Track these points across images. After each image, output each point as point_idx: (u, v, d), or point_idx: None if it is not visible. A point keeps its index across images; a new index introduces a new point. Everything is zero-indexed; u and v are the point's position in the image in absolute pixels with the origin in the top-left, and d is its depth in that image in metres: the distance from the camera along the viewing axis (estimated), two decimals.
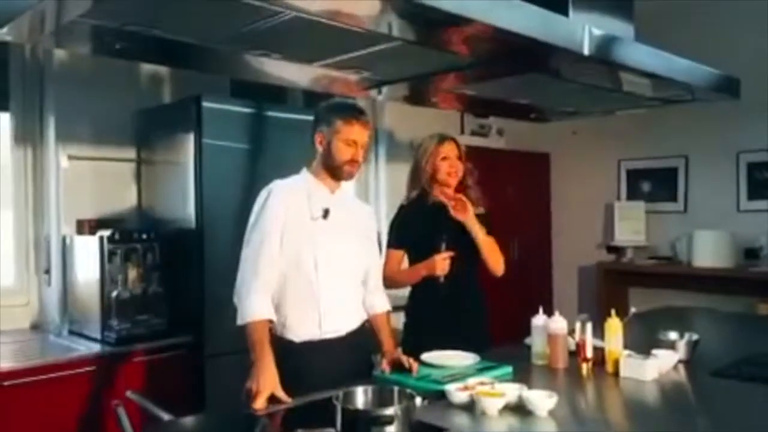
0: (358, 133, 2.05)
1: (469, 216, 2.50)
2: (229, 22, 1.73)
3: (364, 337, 2.22)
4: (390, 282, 2.55)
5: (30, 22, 1.66)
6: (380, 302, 2.28)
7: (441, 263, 2.44)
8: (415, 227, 2.60)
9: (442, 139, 2.62)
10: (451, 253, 2.46)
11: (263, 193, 2.08)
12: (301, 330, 2.04)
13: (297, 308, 2.05)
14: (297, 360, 2.00)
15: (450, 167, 2.58)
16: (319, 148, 2.09)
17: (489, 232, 2.68)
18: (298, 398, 1.83)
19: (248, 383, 1.83)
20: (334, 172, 2.09)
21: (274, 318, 2.00)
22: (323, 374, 1.96)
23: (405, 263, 2.65)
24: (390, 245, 2.63)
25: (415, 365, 2.03)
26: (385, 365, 2.11)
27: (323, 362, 2.02)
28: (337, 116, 2.05)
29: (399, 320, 2.68)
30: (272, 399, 1.80)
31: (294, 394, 1.84)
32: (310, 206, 2.07)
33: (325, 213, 2.07)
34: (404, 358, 2.07)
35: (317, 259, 2.04)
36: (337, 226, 2.09)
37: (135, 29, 1.73)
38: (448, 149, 2.59)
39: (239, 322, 1.95)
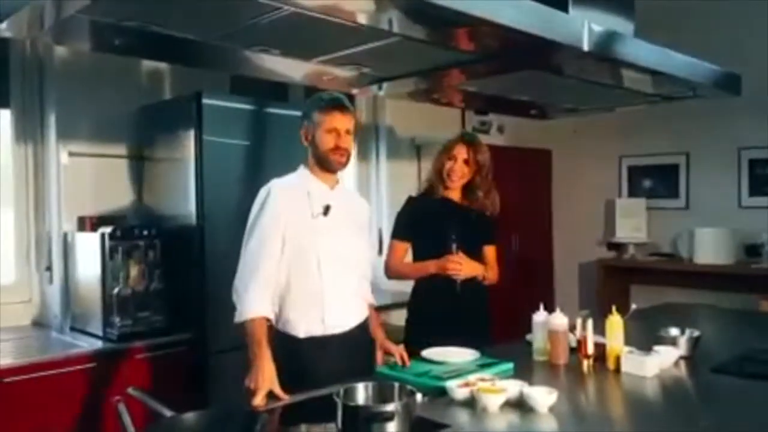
0: (337, 120, 2.06)
1: (462, 274, 2.48)
2: (227, 17, 1.73)
3: (368, 332, 2.23)
4: (394, 273, 2.56)
5: (29, 17, 1.65)
6: (367, 295, 2.29)
7: (453, 265, 2.44)
8: (422, 220, 2.61)
9: (458, 139, 2.63)
10: (463, 257, 2.46)
11: (262, 192, 2.08)
12: (304, 326, 2.05)
13: (301, 305, 2.05)
14: (302, 356, 2.02)
15: (450, 168, 2.59)
16: (306, 143, 2.12)
17: (491, 238, 2.68)
18: (299, 394, 1.84)
19: (246, 381, 1.84)
20: (324, 163, 2.09)
21: (272, 316, 2.01)
22: (328, 370, 1.97)
23: (409, 256, 2.65)
24: (395, 236, 2.64)
25: (406, 358, 2.06)
26: (378, 357, 2.14)
27: (328, 358, 2.03)
28: (315, 108, 2.08)
29: (401, 316, 2.69)
30: (271, 396, 1.81)
31: (299, 390, 1.85)
32: (310, 204, 2.07)
33: (326, 210, 2.08)
34: (394, 348, 2.10)
35: (320, 256, 2.05)
36: (338, 222, 2.10)
37: (134, 25, 1.73)
38: (458, 150, 2.59)
39: (237, 319, 1.96)
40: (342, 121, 2.07)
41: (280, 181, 2.12)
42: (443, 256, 2.46)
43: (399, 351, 2.09)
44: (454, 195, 2.64)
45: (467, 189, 2.64)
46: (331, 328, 2.07)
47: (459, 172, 2.58)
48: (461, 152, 2.58)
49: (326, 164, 2.09)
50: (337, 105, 2.07)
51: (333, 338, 2.07)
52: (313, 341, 2.05)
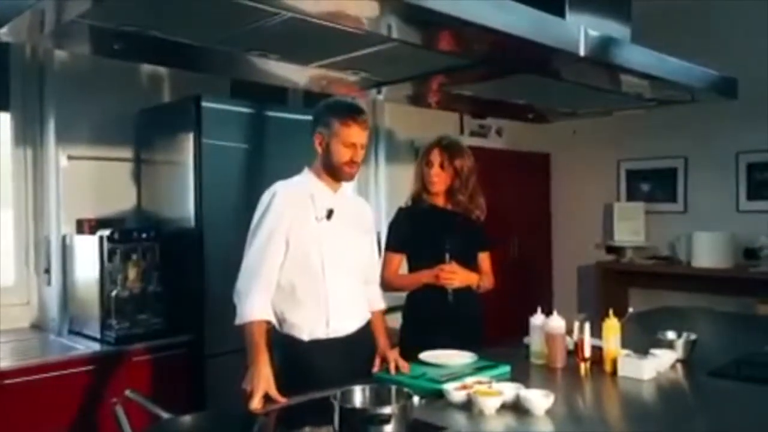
0: (356, 135, 2.05)
1: (456, 283, 2.48)
2: (226, 22, 1.73)
3: (370, 334, 2.23)
4: (389, 286, 2.55)
5: (29, 22, 1.66)
6: (376, 299, 2.31)
7: (445, 275, 2.44)
8: (414, 231, 2.60)
9: (433, 144, 2.61)
10: (456, 267, 2.46)
11: (267, 195, 2.08)
12: (309, 329, 2.06)
13: (305, 308, 2.06)
14: (306, 358, 2.03)
15: (428, 174, 2.58)
16: (319, 150, 2.09)
17: (485, 245, 2.68)
18: (296, 397, 1.84)
19: (243, 384, 1.85)
20: (334, 173, 2.09)
21: (272, 319, 2.01)
22: (331, 372, 1.97)
23: (404, 267, 2.65)
24: (389, 248, 2.63)
25: (402, 366, 2.05)
26: (377, 364, 2.14)
27: (331, 360, 2.03)
28: (335, 118, 2.05)
29: (397, 320, 2.69)
30: (267, 399, 1.81)
31: (303, 392, 1.86)
32: (314, 207, 2.08)
33: (329, 214, 2.08)
34: (391, 358, 2.09)
35: (324, 260, 2.05)
36: (341, 225, 2.11)
37: (133, 30, 1.74)
38: (433, 155, 2.58)
39: (238, 321, 1.96)
40: (360, 136, 2.06)
41: (284, 183, 2.11)
42: (437, 265, 2.46)
43: (394, 358, 2.09)
44: (440, 201, 2.63)
45: (449, 194, 2.62)
46: (334, 330, 2.08)
47: (435, 178, 2.56)
48: (436, 157, 2.57)
49: (337, 175, 2.10)
50: (357, 118, 2.05)
51: (336, 341, 2.08)
52: (317, 344, 2.05)
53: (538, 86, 2.46)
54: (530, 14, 1.80)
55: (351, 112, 2.06)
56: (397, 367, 2.06)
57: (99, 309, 2.87)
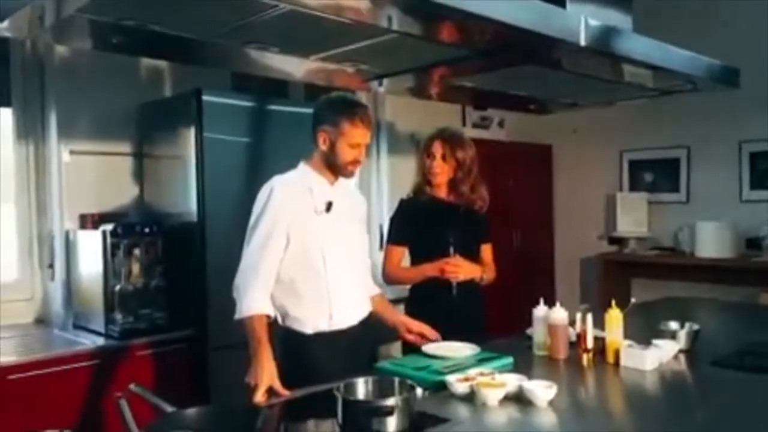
0: (363, 135, 2.06)
1: (461, 276, 2.48)
2: (225, 15, 1.73)
3: (372, 327, 2.24)
4: (392, 279, 2.55)
5: (29, 17, 1.66)
6: (370, 286, 2.32)
7: (450, 268, 2.44)
8: (417, 223, 2.59)
9: (434, 136, 2.60)
10: (461, 260, 2.46)
11: (265, 190, 2.08)
12: (312, 323, 2.06)
13: (307, 301, 2.07)
14: (309, 352, 2.03)
15: (429, 166, 2.57)
16: (323, 147, 2.08)
17: (487, 236, 2.68)
18: (299, 390, 1.85)
19: (247, 377, 1.85)
20: (336, 171, 2.10)
21: (272, 313, 2.02)
22: (335, 365, 1.98)
23: (406, 259, 2.65)
24: (391, 241, 2.63)
25: (429, 333, 2.21)
26: (412, 338, 2.24)
27: (335, 353, 2.04)
28: (342, 117, 2.04)
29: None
30: (271, 392, 1.82)
31: (305, 385, 1.86)
32: (313, 201, 2.08)
33: (328, 206, 2.09)
34: (414, 326, 2.23)
35: (324, 253, 2.06)
36: (340, 217, 2.11)
37: (133, 24, 1.74)
38: (434, 147, 2.57)
39: (237, 316, 1.97)
40: (366, 136, 2.07)
41: (282, 178, 2.11)
42: (441, 258, 2.46)
43: (418, 325, 2.22)
44: (442, 193, 2.61)
45: (452, 185, 2.61)
46: (337, 323, 2.08)
47: (437, 169, 2.55)
48: (437, 149, 2.56)
49: (339, 172, 2.10)
50: (363, 118, 2.05)
51: (339, 333, 2.08)
52: (320, 337, 2.06)
53: (539, 77, 2.45)
54: (530, 4, 1.80)
55: (358, 111, 2.05)
56: (417, 340, 2.21)
57: (102, 304, 2.88)
